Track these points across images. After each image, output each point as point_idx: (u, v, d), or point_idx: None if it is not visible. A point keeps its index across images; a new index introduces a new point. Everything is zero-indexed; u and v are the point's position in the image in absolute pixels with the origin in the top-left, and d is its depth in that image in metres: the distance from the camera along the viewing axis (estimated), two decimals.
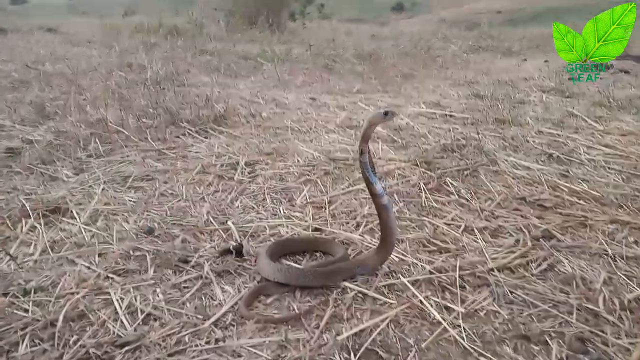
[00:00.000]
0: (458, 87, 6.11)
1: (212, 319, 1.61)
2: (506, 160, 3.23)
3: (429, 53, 9.10)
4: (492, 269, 1.98)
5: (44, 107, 4.05)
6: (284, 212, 2.43)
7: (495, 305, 1.77)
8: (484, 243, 2.19)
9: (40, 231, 2.14)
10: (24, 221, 2.20)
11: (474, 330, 1.64)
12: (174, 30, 10.54)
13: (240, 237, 2.16)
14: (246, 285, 1.82)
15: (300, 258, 2.06)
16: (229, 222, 2.26)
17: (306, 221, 2.34)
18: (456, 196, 2.66)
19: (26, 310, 1.61)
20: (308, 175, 2.89)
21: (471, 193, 2.72)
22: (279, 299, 1.76)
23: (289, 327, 1.60)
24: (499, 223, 2.39)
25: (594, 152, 3.46)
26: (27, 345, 1.47)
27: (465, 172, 3.00)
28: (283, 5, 14.47)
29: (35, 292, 1.70)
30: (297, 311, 1.68)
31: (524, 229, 2.32)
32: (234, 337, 1.55)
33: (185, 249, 2.03)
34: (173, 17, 15.54)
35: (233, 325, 1.61)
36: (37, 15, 17.53)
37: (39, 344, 1.48)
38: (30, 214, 2.23)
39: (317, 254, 2.09)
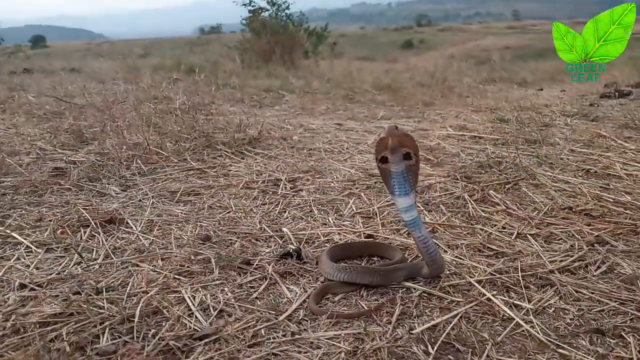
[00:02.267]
0: (480, 113, 6.17)
1: (285, 315, 1.62)
2: (544, 175, 3.25)
3: (445, 84, 9.24)
4: (552, 271, 1.98)
5: (81, 134, 4.15)
6: (333, 222, 2.45)
7: (563, 303, 1.76)
8: (540, 248, 2.19)
9: (100, 239, 2.17)
10: (82, 230, 2.24)
11: (547, 325, 1.63)
12: (193, 67, 10.83)
13: (295, 242, 2.18)
14: (311, 286, 1.83)
15: (359, 262, 2.07)
16: (284, 229, 2.29)
17: (357, 229, 2.36)
18: (502, 206, 2.67)
19: (101, 307, 1.62)
20: (350, 189, 2.92)
21: (516, 204, 2.72)
22: (345, 297, 1.77)
23: (362, 322, 1.60)
24: (550, 230, 2.39)
25: (631, 168, 3.46)
26: (107, 338, 1.48)
27: (507, 186, 3.01)
28: (296, 43, 14.83)
29: (106, 291, 1.72)
30: (366, 308, 1.68)
31: (576, 235, 2.32)
32: (309, 330, 1.55)
33: (245, 253, 2.05)
34: (189, 56, 16.00)
35: (306, 320, 1.61)
36: (58, 58, 18.08)
37: (119, 337, 1.49)
38: (90, 223, 2.27)
39: (375, 259, 2.10)
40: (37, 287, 1.75)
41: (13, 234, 2.18)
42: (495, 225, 2.44)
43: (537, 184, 3.08)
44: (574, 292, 1.83)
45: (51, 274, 1.85)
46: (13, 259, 1.98)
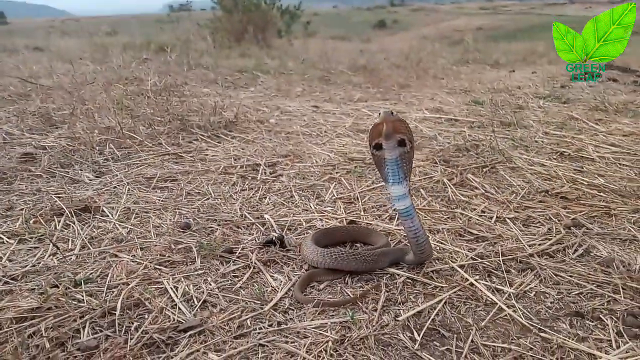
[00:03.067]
0: (455, 95, 6.20)
1: (271, 304, 1.60)
2: (520, 158, 3.29)
3: (420, 65, 9.23)
4: (532, 254, 2.01)
5: (50, 117, 4.00)
6: (314, 208, 2.44)
7: (543, 286, 1.79)
8: (519, 231, 2.22)
9: (76, 228, 2.10)
10: (56, 219, 2.17)
11: (528, 309, 1.66)
12: (164, 46, 10.54)
13: (278, 229, 2.16)
14: (295, 274, 1.82)
15: (341, 249, 2.06)
16: (266, 216, 2.26)
17: (339, 215, 2.35)
18: (481, 190, 2.70)
19: (80, 300, 1.58)
20: (331, 174, 2.90)
21: (494, 187, 2.75)
22: (330, 285, 1.76)
23: (347, 310, 1.60)
24: (528, 214, 2.43)
25: (603, 150, 3.54)
26: (88, 332, 1.44)
27: (484, 169, 3.04)
28: (268, 22, 14.56)
29: (85, 283, 1.67)
30: (351, 295, 1.68)
31: (553, 219, 2.37)
32: (295, 320, 1.54)
33: (226, 241, 2.02)
34: (159, 35, 15.55)
35: (292, 310, 1.60)
36: (20, 36, 17.34)
37: (100, 330, 1.45)
38: (64, 211, 2.20)
39: (358, 244, 2.09)
40: (11, 281, 1.69)
41: None
42: (474, 209, 2.46)
43: (514, 167, 3.12)
44: (553, 275, 1.87)
45: (26, 266, 1.79)
46: None
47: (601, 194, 2.70)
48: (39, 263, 1.81)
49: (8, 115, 4.04)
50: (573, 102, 5.58)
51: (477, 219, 2.34)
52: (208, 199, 2.50)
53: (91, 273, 1.75)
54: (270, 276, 1.79)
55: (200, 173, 2.86)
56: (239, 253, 1.93)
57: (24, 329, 1.43)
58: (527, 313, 1.63)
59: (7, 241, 1.98)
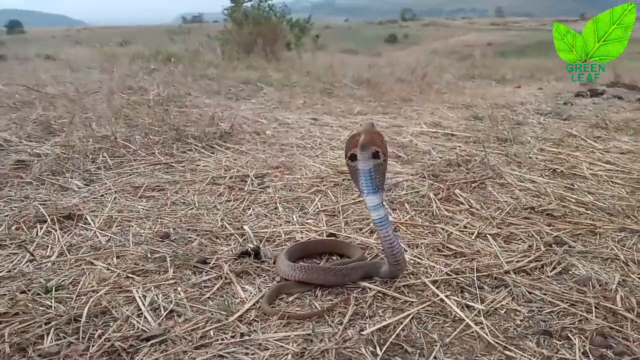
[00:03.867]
0: (456, 110, 6.20)
1: (236, 315, 1.61)
2: (511, 174, 3.28)
3: (425, 80, 9.26)
4: (508, 271, 2.00)
5: (49, 125, 4.06)
6: (297, 220, 2.45)
7: (515, 304, 1.78)
8: (498, 248, 2.22)
9: (56, 235, 2.13)
10: (39, 226, 2.20)
11: (496, 327, 1.65)
12: (172, 57, 10.68)
13: (256, 240, 2.17)
14: (266, 285, 1.82)
15: (317, 261, 2.07)
16: (245, 227, 2.28)
17: (320, 227, 2.36)
18: (466, 205, 2.69)
19: (49, 307, 1.60)
20: (318, 186, 2.91)
21: (480, 203, 2.75)
22: (299, 297, 1.77)
23: (313, 322, 1.60)
24: (510, 230, 2.42)
25: (596, 167, 3.52)
26: (52, 338, 1.46)
27: (473, 185, 3.04)
28: (278, 35, 14.71)
29: (56, 290, 1.69)
30: (319, 308, 1.68)
31: (535, 236, 2.35)
32: (259, 331, 1.55)
33: (202, 252, 2.04)
34: (169, 46, 15.76)
35: (257, 321, 1.61)
36: (34, 45, 17.69)
37: (64, 337, 1.47)
38: (47, 219, 2.23)
39: (334, 257, 2.10)
40: None
41: None
42: (457, 224, 2.46)
43: (504, 183, 3.11)
44: (527, 292, 1.86)
45: (1, 271, 1.82)
46: None
47: (588, 211, 2.69)
48: (15, 269, 1.84)
49: (8, 122, 4.10)
50: (574, 119, 5.55)
51: (458, 235, 2.33)
52: (192, 209, 2.53)
53: (63, 280, 1.77)
54: (241, 287, 1.80)
55: (188, 183, 2.89)
56: (213, 264, 1.94)
57: None
58: (495, 330, 1.62)
59: None
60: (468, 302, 1.77)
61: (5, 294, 1.66)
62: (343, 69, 10.81)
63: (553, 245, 2.26)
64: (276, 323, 1.59)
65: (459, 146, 4.10)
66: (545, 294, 1.85)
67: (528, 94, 8.01)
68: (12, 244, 2.03)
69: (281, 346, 1.48)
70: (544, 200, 2.83)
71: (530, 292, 1.86)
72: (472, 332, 1.61)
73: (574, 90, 7.75)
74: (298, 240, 2.21)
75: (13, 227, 2.17)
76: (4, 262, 1.90)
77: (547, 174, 3.36)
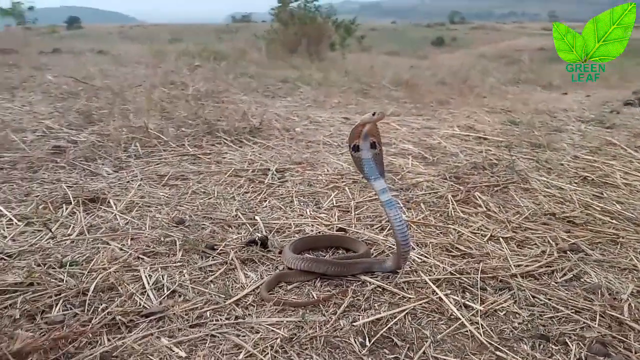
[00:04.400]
0: (493, 115, 6.08)
1: (234, 299, 1.67)
2: (538, 180, 3.21)
3: (467, 83, 9.11)
4: (515, 275, 1.97)
5: (90, 114, 4.26)
6: (310, 214, 2.49)
7: (516, 307, 1.76)
8: (509, 251, 2.18)
9: (79, 216, 2.26)
10: (65, 207, 2.33)
11: (492, 328, 1.63)
12: (217, 55, 10.94)
13: (266, 231, 2.23)
14: (268, 273, 1.87)
15: (323, 254, 2.10)
16: (257, 217, 2.33)
17: (331, 222, 2.39)
18: (484, 208, 2.66)
19: (61, 280, 1.70)
20: (336, 182, 2.94)
21: (499, 207, 2.71)
22: (299, 286, 1.81)
23: (307, 311, 1.64)
24: (525, 235, 2.38)
25: (632, 177, 3.38)
26: (60, 309, 1.55)
27: (495, 188, 2.99)
28: (323, 35, 14.80)
29: (70, 266, 1.80)
30: (316, 297, 1.72)
31: (550, 241, 2.30)
32: (253, 316, 1.60)
33: (213, 238, 2.11)
34: (216, 44, 16.15)
35: (253, 306, 1.66)
36: (89, 40, 18.48)
37: (71, 308, 1.56)
38: (72, 200, 2.36)
39: (340, 251, 2.13)
40: (6, 258, 1.84)
41: (0, 206, 2.29)
42: (470, 226, 2.43)
43: (528, 188, 3.04)
44: (530, 297, 1.83)
45: (24, 245, 1.94)
46: None
47: (613, 220, 2.60)
48: (36, 244, 1.96)
49: (53, 111, 4.34)
50: (618, 127, 5.34)
51: (469, 236, 2.31)
52: (210, 198, 2.61)
53: (78, 257, 1.88)
54: (244, 274, 1.86)
55: (211, 174, 2.98)
56: (221, 250, 2.01)
57: (3, 300, 1.56)
58: (490, 331, 1.61)
59: (16, 223, 2.16)
60: (467, 302, 1.76)
61: (24, 266, 1.78)
62: (384, 70, 10.77)
63: (568, 252, 2.20)
64: (271, 309, 1.63)
65: (488, 150, 4.03)
66: (549, 299, 1.82)
67: (574, 100, 7.75)
68: (37, 221, 2.17)
69: (272, 330, 1.52)
70: (567, 207, 2.76)
71: (534, 297, 1.83)
72: (466, 331, 1.61)
73: (624, 99, 7.45)
74: (307, 233, 2.25)
75: (41, 207, 2.31)
76: (28, 238, 2.03)
77: (576, 181, 3.26)
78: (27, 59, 8.64)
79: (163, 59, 10.23)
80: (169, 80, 6.87)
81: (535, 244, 2.29)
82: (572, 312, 1.74)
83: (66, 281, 1.69)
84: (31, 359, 1.33)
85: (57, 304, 1.57)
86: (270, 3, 15.67)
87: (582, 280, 1.99)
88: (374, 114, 1.79)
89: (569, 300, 1.82)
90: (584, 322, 1.69)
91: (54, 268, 1.77)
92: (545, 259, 2.11)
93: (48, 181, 2.68)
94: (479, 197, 2.81)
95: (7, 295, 1.59)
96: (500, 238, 2.31)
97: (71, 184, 2.64)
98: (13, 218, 2.19)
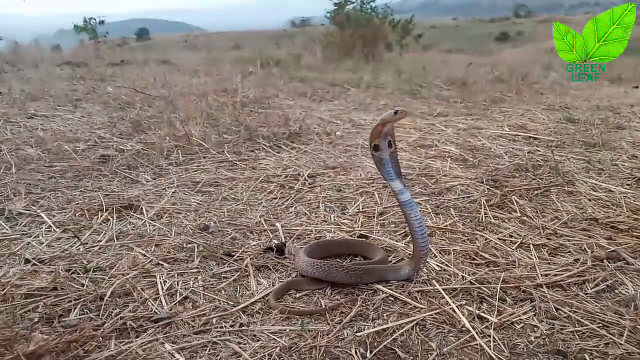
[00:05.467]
0: (550, 112, 5.79)
1: (241, 306, 1.69)
2: (585, 182, 3.02)
3: (526, 79, 8.74)
4: (540, 285, 1.86)
5: (140, 123, 4.47)
6: (334, 220, 2.48)
7: (536, 320, 1.66)
8: (538, 260, 2.07)
9: (112, 223, 2.37)
10: (100, 214, 2.46)
11: (505, 341, 1.55)
12: (272, 60, 11.14)
13: (285, 237, 2.24)
14: (281, 280, 1.88)
15: (340, 261, 2.08)
16: (277, 224, 2.35)
17: (353, 228, 2.37)
18: (519, 213, 2.54)
19: (82, 285, 1.79)
20: (366, 187, 2.91)
21: (536, 211, 2.57)
22: (309, 294, 1.80)
23: (312, 319, 1.63)
24: (560, 242, 2.24)
25: None
26: (77, 313, 1.64)
27: (536, 192, 2.85)
28: (378, 36, 14.69)
29: (93, 271, 1.89)
30: (323, 306, 1.71)
31: (587, 249, 2.16)
32: (258, 323, 1.61)
33: (233, 245, 2.15)
34: (273, 50, 16.46)
35: (259, 314, 1.67)
36: (155, 50, 19.36)
37: (87, 312, 1.65)
38: (105, 208, 2.49)
39: (358, 258, 2.10)
40: (38, 263, 1.97)
41: (42, 213, 2.45)
42: (500, 232, 2.33)
43: (572, 191, 2.87)
44: (553, 309, 1.72)
45: (56, 252, 2.07)
46: (33, 236, 2.23)
47: None
48: (67, 250, 2.08)
49: (108, 121, 4.58)
50: None
51: (497, 243, 2.21)
52: (238, 204, 2.66)
53: (103, 262, 1.97)
54: (257, 281, 1.88)
55: (243, 180, 3.04)
56: (237, 256, 2.04)
57: (28, 304, 1.67)
58: (501, 345, 1.53)
59: (54, 230, 2.30)
60: (482, 314, 1.68)
61: (52, 271, 1.89)
62: (441, 68, 10.53)
63: (604, 260, 2.06)
64: (276, 317, 1.64)
65: (536, 150, 3.85)
66: (574, 312, 1.70)
67: None
68: (73, 228, 2.30)
69: (273, 339, 1.53)
70: (612, 211, 2.58)
71: (557, 309, 1.72)
72: (476, 344, 1.54)
73: None
74: (329, 239, 2.24)
75: (78, 214, 2.45)
76: (62, 244, 2.16)
77: (628, 183, 3.04)
78: (94, 72, 9.18)
79: (220, 67, 10.56)
80: (221, 87, 7.08)
81: (569, 251, 2.16)
82: (597, 327, 1.63)
83: (86, 286, 1.78)
84: None
85: (75, 308, 1.66)
86: (328, 6, 15.76)
87: (615, 291, 1.85)
88: (395, 112, 1.76)
89: (596, 313, 1.70)
90: (610, 338, 1.57)
91: (78, 273, 1.88)
92: (577, 268, 1.98)
93: (90, 189, 2.83)
94: (516, 201, 2.69)
95: (31, 299, 1.70)
96: (531, 245, 2.19)
97: (109, 191, 2.78)
98: (52, 225, 2.34)
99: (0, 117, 4.47)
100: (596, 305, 1.75)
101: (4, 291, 1.73)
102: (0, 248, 2.12)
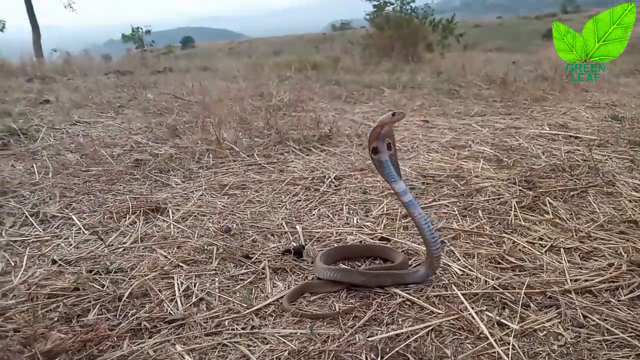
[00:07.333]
0: (595, 110, 5.55)
1: (254, 308, 1.68)
2: (627, 183, 2.86)
3: (570, 77, 8.39)
4: (568, 291, 1.77)
5: (176, 128, 4.56)
6: (356, 222, 2.44)
7: (560, 327, 1.57)
8: (568, 264, 1.96)
9: (138, 225, 2.42)
10: (127, 217, 2.52)
11: (525, 350, 1.48)
12: (308, 64, 11.18)
13: (305, 240, 2.23)
14: (297, 283, 1.87)
15: (359, 264, 2.05)
16: (297, 226, 2.34)
17: (375, 230, 2.32)
18: (551, 215, 2.43)
19: (102, 286, 1.84)
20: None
21: (570, 213, 2.45)
22: (323, 297, 1.78)
23: (324, 323, 1.61)
24: (594, 245, 2.13)
25: None
26: (95, 313, 1.68)
27: (572, 193, 2.72)
28: (418, 37, 14.51)
29: (115, 272, 1.93)
30: (336, 310, 1.68)
31: (623, 253, 2.04)
32: (269, 326, 1.60)
33: (253, 247, 2.15)
34: (313, 54, 16.53)
35: (272, 316, 1.66)
36: (199, 58, 19.78)
37: (105, 313, 1.68)
38: (132, 211, 2.54)
39: (377, 261, 2.06)
40: (64, 264, 2.03)
41: (73, 216, 2.53)
42: (530, 235, 2.23)
43: (612, 192, 2.73)
44: (580, 316, 1.63)
45: (82, 253, 2.13)
46: (63, 237, 2.31)
47: None
48: (93, 252, 2.14)
49: (144, 126, 4.71)
50: None
51: (525, 247, 2.12)
52: (262, 207, 2.66)
53: (125, 264, 2.02)
54: (272, 283, 1.87)
55: (269, 183, 3.04)
56: (256, 259, 2.04)
57: (50, 304, 1.72)
58: (520, 354, 1.46)
59: (83, 232, 2.37)
60: (503, 320, 1.61)
61: (76, 272, 1.95)
62: (483, 68, 10.27)
63: None
64: (288, 320, 1.62)
65: (576, 150, 3.68)
66: (604, 320, 1.60)
67: None
68: (101, 231, 2.36)
69: (283, 342, 1.51)
70: None
71: (585, 316, 1.63)
72: (494, 352, 1.47)
73: None
74: (347, 242, 2.21)
75: (107, 217, 2.52)
76: (88, 246, 2.22)
77: None
78: (138, 80, 9.48)
79: (259, 72, 10.68)
80: (258, 92, 7.16)
81: (603, 255, 2.04)
82: (629, 337, 1.52)
83: (107, 287, 1.82)
84: (59, 359, 1.45)
85: (93, 308, 1.70)
86: (368, 8, 15.70)
87: None
88: (393, 114, 1.73)
89: (628, 322, 1.59)
90: None
91: (100, 274, 1.92)
92: (610, 273, 1.87)
93: (121, 192, 2.91)
94: (549, 202, 2.57)
95: (53, 299, 1.75)
96: (562, 249, 2.09)
97: (139, 194, 2.84)
98: (82, 227, 2.41)
99: (46, 124, 4.68)
100: (629, 314, 1.64)
101: (29, 291, 1.80)
102: (31, 249, 2.20)
